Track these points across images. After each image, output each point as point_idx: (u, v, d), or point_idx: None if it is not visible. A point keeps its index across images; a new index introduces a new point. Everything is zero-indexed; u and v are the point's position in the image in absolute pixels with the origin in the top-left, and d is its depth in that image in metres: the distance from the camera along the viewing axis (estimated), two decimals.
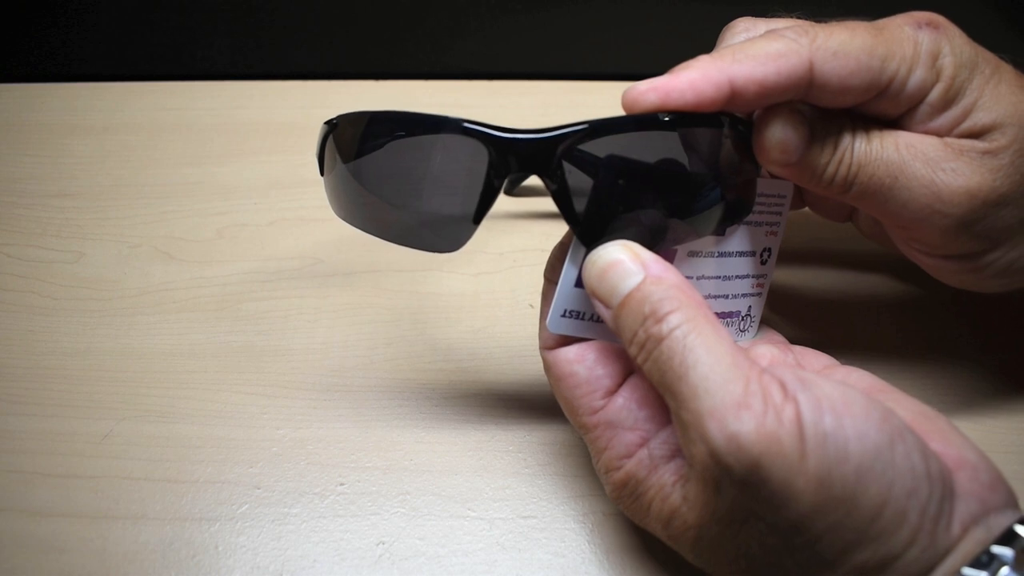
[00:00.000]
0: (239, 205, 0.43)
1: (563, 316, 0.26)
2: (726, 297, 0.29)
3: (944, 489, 0.21)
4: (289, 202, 0.43)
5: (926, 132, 0.26)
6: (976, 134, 0.26)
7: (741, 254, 0.29)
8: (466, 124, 0.25)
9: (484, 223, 0.26)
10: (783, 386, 0.21)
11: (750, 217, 0.28)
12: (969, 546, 0.21)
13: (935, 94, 0.26)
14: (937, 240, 0.27)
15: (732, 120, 0.26)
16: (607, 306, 0.24)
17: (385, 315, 0.38)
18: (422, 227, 0.28)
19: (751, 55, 0.24)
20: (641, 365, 0.23)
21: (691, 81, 0.24)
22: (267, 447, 0.33)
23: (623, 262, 0.24)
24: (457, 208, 0.26)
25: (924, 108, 0.26)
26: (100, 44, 0.53)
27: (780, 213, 0.30)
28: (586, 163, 0.25)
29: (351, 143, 0.28)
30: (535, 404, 0.34)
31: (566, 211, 0.25)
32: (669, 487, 0.24)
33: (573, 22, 0.52)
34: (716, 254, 0.28)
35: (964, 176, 0.26)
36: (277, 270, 0.40)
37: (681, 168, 0.25)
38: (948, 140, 0.26)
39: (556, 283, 0.26)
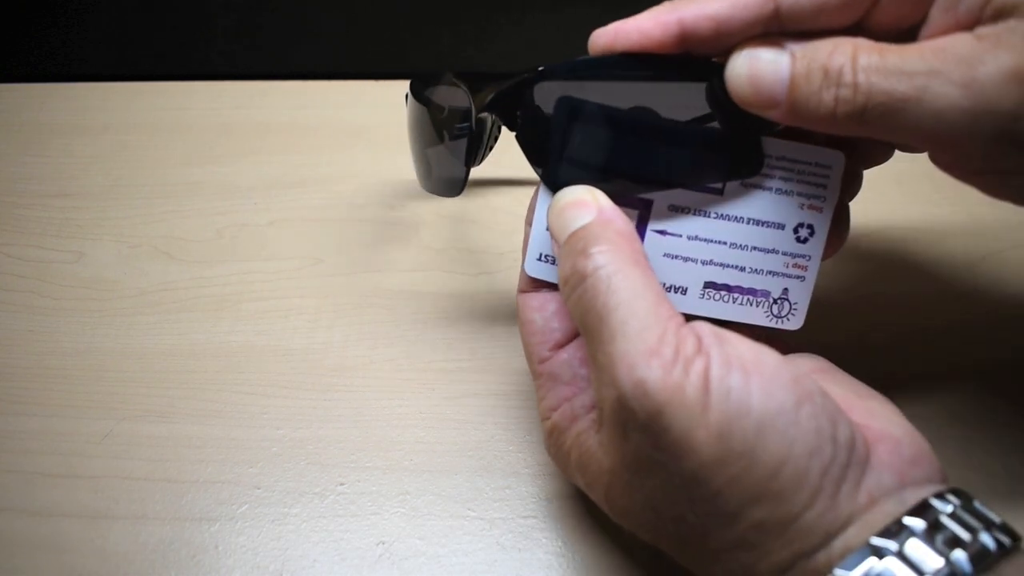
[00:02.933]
0: (239, 205, 0.43)
1: (539, 260, 0.27)
2: (740, 269, 0.27)
3: (852, 456, 0.21)
4: (289, 202, 0.43)
5: (957, 26, 0.22)
6: (1008, 11, 0.22)
7: (759, 223, 0.27)
8: (455, 72, 0.28)
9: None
10: (699, 340, 0.22)
11: (771, 183, 0.26)
12: (878, 516, 0.21)
13: None
14: (986, 151, 0.22)
15: (702, 64, 0.25)
16: (558, 244, 0.25)
17: (385, 315, 0.38)
18: (429, 171, 0.33)
19: None
20: (566, 302, 0.24)
21: (638, 22, 0.24)
22: (267, 447, 0.33)
23: (580, 203, 0.25)
24: (451, 154, 0.30)
25: None
26: (100, 44, 0.53)
27: (824, 186, 0.27)
28: (544, 106, 0.26)
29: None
30: (536, 404, 0.34)
31: (528, 153, 0.26)
32: (586, 433, 0.25)
33: (573, 22, 0.52)
34: (714, 215, 0.27)
35: (1008, 61, 0.21)
36: (277, 270, 0.40)
37: (649, 114, 0.25)
38: (980, 32, 0.22)
39: None
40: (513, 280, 0.39)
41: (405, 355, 0.36)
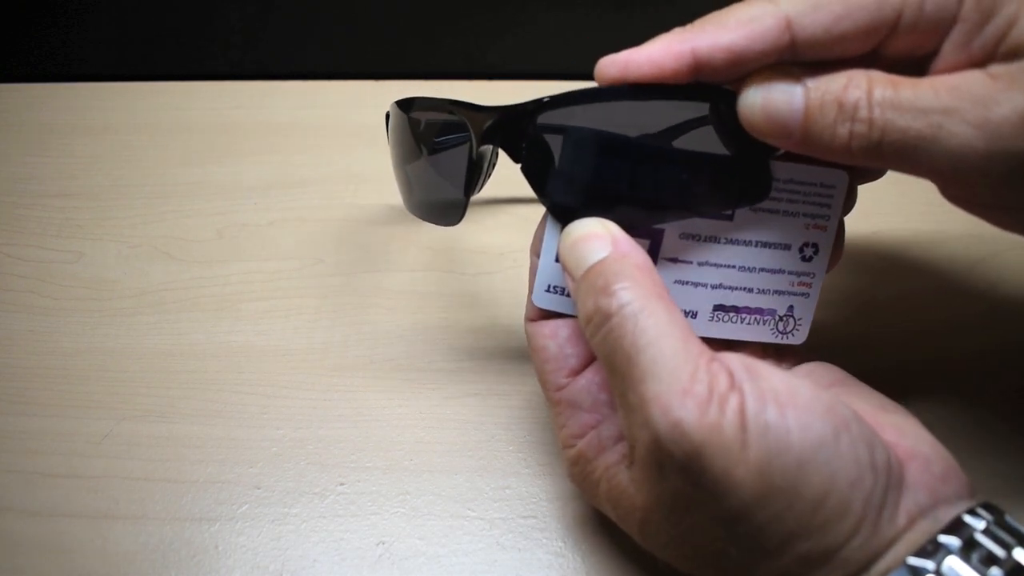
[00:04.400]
0: (239, 205, 0.43)
1: (547, 291, 0.27)
2: (749, 291, 0.27)
3: (890, 479, 0.21)
4: (289, 202, 0.43)
5: (970, 62, 0.22)
6: (1023, 50, 0.22)
7: (767, 245, 0.27)
8: (451, 101, 0.27)
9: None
10: (731, 375, 0.21)
11: (778, 206, 0.26)
12: (915, 536, 0.21)
13: (968, 7, 0.22)
14: (998, 189, 0.23)
15: (714, 92, 0.25)
16: (572, 279, 0.24)
17: (385, 315, 0.38)
18: (427, 200, 0.31)
19: (720, 23, 0.23)
20: (590, 341, 0.23)
21: (649, 53, 0.23)
22: (267, 447, 0.33)
23: (594, 236, 0.24)
24: (451, 182, 0.28)
25: (959, 29, 0.22)
26: (100, 44, 0.53)
27: (828, 205, 0.27)
28: (551, 136, 0.25)
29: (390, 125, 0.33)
30: (536, 404, 0.34)
31: (534, 185, 0.25)
32: (615, 467, 0.24)
33: (573, 22, 0.52)
34: (724, 240, 0.27)
35: (1022, 103, 0.21)
36: (277, 270, 0.40)
37: (656, 142, 0.25)
38: (994, 71, 0.22)
39: None
40: (513, 280, 0.39)
41: (405, 355, 0.36)
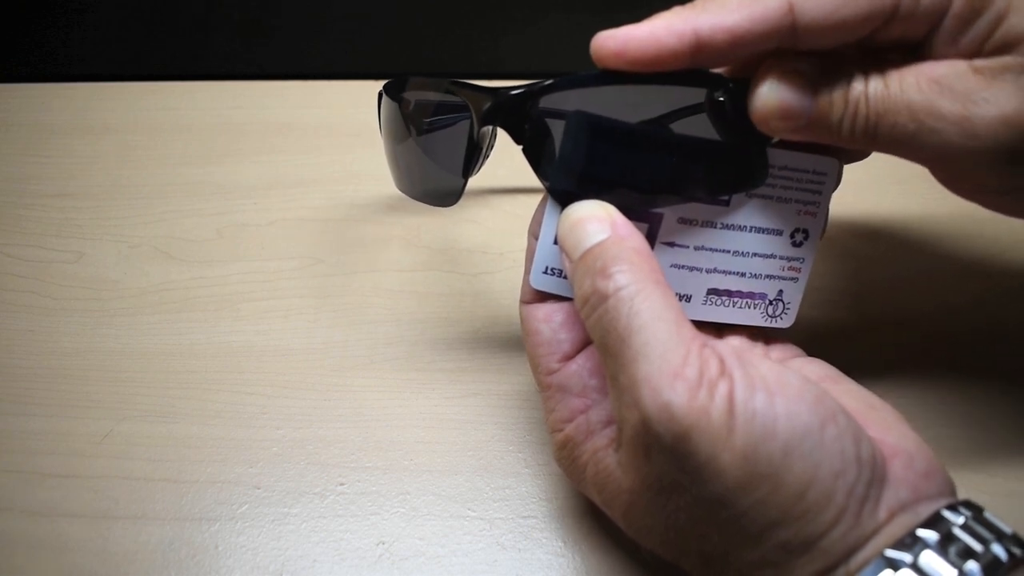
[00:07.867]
0: (239, 205, 0.43)
1: (544, 272, 0.27)
2: (742, 275, 0.28)
3: (873, 474, 0.21)
4: (289, 202, 0.43)
5: (957, 54, 0.23)
6: (1010, 44, 0.22)
7: (760, 230, 0.27)
8: (452, 81, 0.27)
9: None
10: (721, 361, 0.22)
11: (772, 192, 0.27)
12: (894, 530, 0.21)
13: (960, 1, 0.23)
14: (983, 177, 0.24)
15: (716, 79, 0.25)
16: (570, 260, 0.25)
17: (385, 315, 0.38)
18: (424, 182, 0.31)
19: (722, 3, 0.23)
20: (585, 321, 0.23)
21: (652, 30, 0.23)
22: (267, 447, 0.33)
23: (593, 219, 0.24)
24: (450, 163, 0.28)
25: (949, 22, 0.23)
26: (100, 44, 0.53)
27: (819, 192, 0.27)
28: (553, 119, 0.25)
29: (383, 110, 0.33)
30: (536, 404, 0.34)
31: (536, 167, 0.26)
32: (603, 451, 0.25)
33: (578, 26, 0.52)
34: (720, 225, 0.27)
35: (999, 104, 0.22)
36: (277, 270, 0.40)
37: (658, 128, 0.25)
38: (978, 64, 0.23)
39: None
40: (513, 280, 0.39)
41: (405, 355, 0.36)
